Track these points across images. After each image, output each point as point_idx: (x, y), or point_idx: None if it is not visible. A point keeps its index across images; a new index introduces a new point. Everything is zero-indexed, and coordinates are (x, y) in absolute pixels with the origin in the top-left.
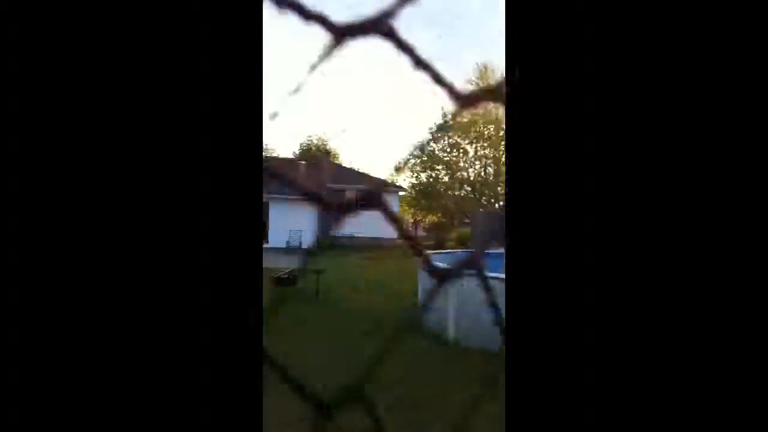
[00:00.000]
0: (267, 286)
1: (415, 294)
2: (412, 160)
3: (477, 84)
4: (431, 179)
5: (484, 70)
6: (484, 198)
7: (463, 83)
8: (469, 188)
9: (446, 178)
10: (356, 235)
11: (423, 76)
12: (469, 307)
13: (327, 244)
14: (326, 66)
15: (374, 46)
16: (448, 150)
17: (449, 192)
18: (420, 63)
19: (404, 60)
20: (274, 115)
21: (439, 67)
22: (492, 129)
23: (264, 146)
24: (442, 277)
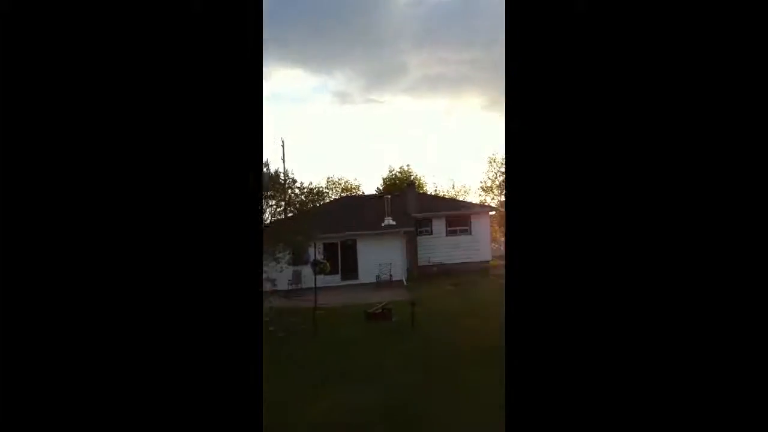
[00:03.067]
0: (361, 322)
1: None
2: (501, 177)
3: None
4: None
5: None
6: None
7: None
8: None
9: None
10: (446, 261)
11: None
12: None
13: (418, 273)
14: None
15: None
16: None
17: None
18: None
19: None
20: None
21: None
22: None
23: (348, 185)
24: None
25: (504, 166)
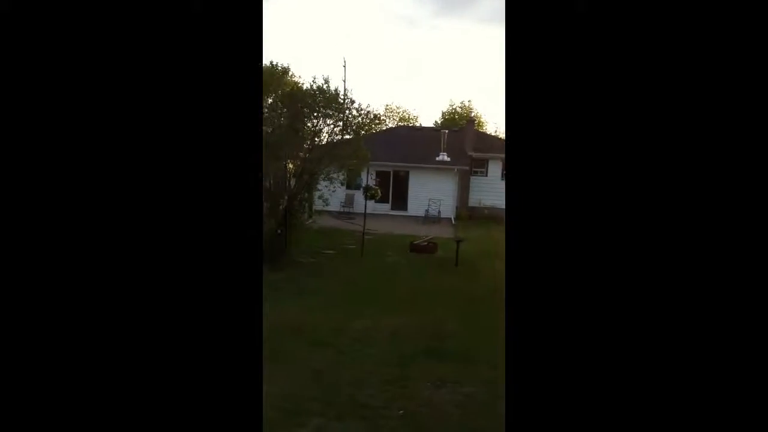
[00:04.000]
0: (407, 252)
1: None
2: None
3: None
4: None
5: None
6: None
7: None
8: None
9: None
10: (497, 205)
11: None
12: None
13: (467, 214)
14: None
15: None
16: None
17: None
18: None
19: None
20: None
21: None
22: None
23: (406, 114)
24: None
25: None
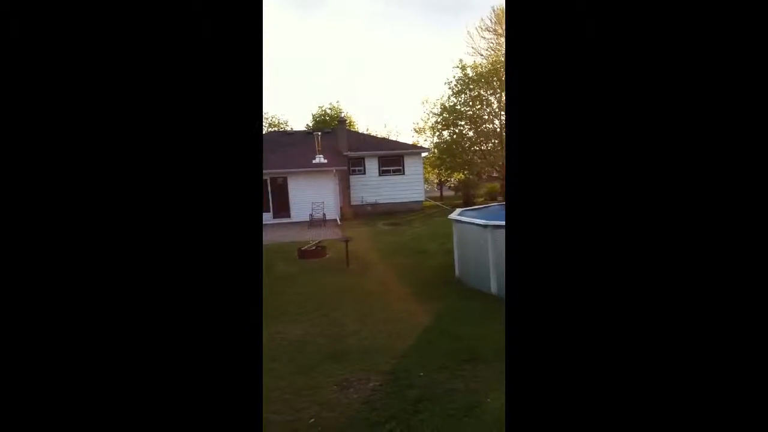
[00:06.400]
0: (296, 259)
1: (448, 253)
2: (433, 119)
3: (494, 30)
4: (455, 135)
5: (501, 15)
6: None
7: (481, 31)
8: (496, 141)
9: (471, 133)
10: (379, 201)
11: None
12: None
13: (351, 213)
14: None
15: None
16: (471, 103)
17: (475, 147)
18: None
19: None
20: None
21: (453, 15)
22: None
23: (276, 121)
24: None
25: (435, 107)
